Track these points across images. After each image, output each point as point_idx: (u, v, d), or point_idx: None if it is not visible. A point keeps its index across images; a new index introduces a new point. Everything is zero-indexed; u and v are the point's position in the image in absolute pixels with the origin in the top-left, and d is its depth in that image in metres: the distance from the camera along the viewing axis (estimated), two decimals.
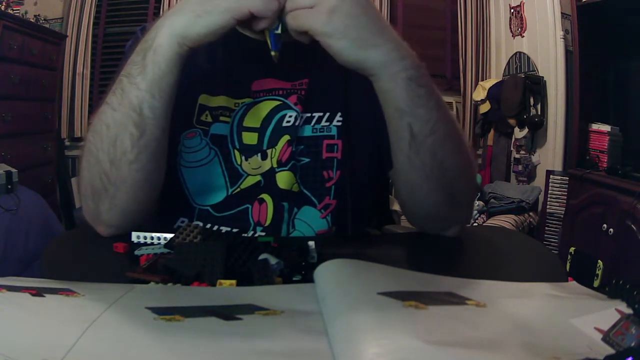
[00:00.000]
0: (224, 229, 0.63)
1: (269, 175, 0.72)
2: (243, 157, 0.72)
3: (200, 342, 0.34)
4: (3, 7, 2.55)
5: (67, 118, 3.23)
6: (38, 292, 0.41)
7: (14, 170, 1.94)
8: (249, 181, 0.72)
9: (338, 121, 0.74)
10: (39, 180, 2.73)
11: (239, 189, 0.72)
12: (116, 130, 0.60)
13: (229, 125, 0.73)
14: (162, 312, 0.38)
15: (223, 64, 0.75)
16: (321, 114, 0.74)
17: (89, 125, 0.66)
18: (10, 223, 1.78)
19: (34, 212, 1.95)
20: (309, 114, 0.74)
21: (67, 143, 3.30)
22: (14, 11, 2.73)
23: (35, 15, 2.90)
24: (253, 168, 0.72)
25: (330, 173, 0.73)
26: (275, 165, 0.72)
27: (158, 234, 0.59)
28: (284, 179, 0.71)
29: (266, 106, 0.73)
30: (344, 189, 0.73)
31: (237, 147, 0.72)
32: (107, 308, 0.38)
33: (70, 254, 0.59)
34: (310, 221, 0.73)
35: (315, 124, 0.74)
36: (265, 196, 0.72)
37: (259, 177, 0.72)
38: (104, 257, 0.57)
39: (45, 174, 2.87)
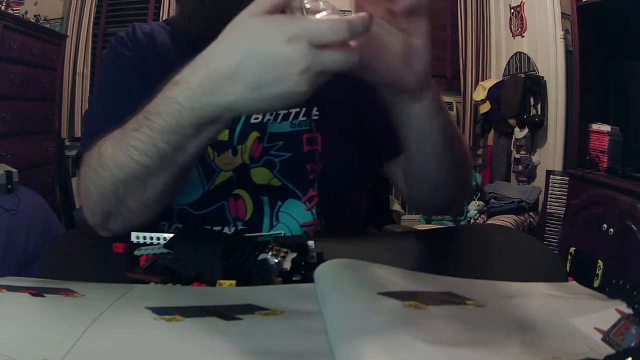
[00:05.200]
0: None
1: (242, 171, 0.73)
2: (215, 153, 0.73)
3: (200, 342, 0.34)
4: (3, 7, 2.54)
5: (67, 118, 3.23)
6: (38, 292, 0.41)
7: (14, 170, 1.94)
8: (222, 177, 0.73)
9: (315, 115, 0.76)
10: (39, 180, 2.73)
11: (213, 185, 0.73)
12: (139, 179, 0.55)
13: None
14: (162, 312, 0.38)
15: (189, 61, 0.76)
16: (298, 109, 0.76)
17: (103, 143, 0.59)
18: (10, 223, 1.78)
19: (34, 212, 1.95)
20: (285, 111, 0.76)
21: (67, 143, 3.30)
22: (14, 11, 2.73)
23: (35, 15, 2.89)
24: (224, 163, 0.73)
25: (313, 165, 0.75)
26: (247, 162, 0.74)
27: (157, 234, 0.59)
28: (259, 175, 0.73)
29: None
30: (327, 181, 0.75)
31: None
32: (107, 308, 0.38)
33: (70, 254, 0.59)
34: (294, 214, 0.74)
35: (293, 119, 0.76)
36: (240, 192, 0.73)
37: (230, 173, 0.73)
38: (103, 258, 0.57)
39: (45, 174, 2.86)
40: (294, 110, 0.76)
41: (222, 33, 0.46)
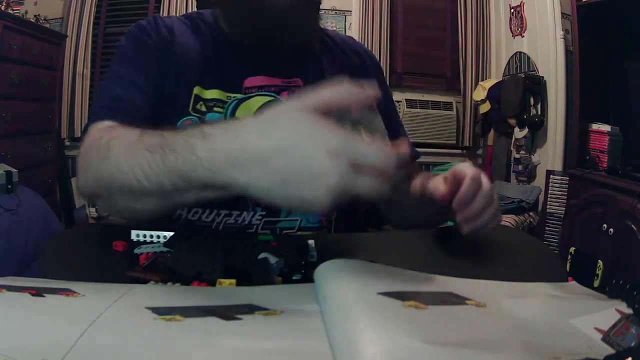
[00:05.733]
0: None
1: None
2: None
3: (200, 342, 0.34)
4: (3, 7, 2.54)
5: (67, 118, 3.23)
6: (38, 292, 0.41)
7: (14, 170, 1.94)
8: None
9: None
10: (39, 180, 2.73)
11: None
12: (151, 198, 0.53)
13: (223, 116, 0.76)
14: (162, 312, 0.38)
15: (216, 59, 0.78)
16: None
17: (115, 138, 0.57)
18: (10, 223, 1.78)
19: (34, 212, 1.95)
20: None
21: (67, 143, 3.30)
22: (14, 11, 2.73)
23: (35, 15, 2.90)
24: None
25: None
26: None
27: (158, 232, 0.59)
28: None
29: (258, 101, 0.77)
30: None
31: None
32: (107, 308, 0.38)
33: (70, 252, 0.59)
34: None
35: None
36: None
37: None
38: (103, 256, 0.57)
39: (45, 174, 2.86)
40: None
41: (270, 113, 0.44)
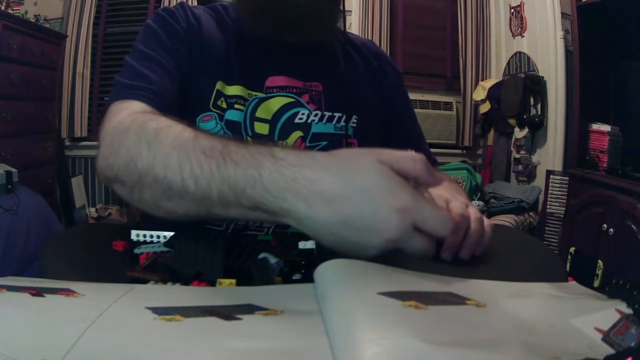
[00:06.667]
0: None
1: None
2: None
3: (200, 342, 0.34)
4: (3, 7, 2.55)
5: (67, 118, 3.23)
6: (38, 292, 0.41)
7: (14, 170, 1.95)
8: None
9: (354, 122, 0.82)
10: (39, 180, 2.74)
11: None
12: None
13: (243, 114, 0.76)
14: (162, 312, 0.38)
15: (240, 56, 0.78)
16: (340, 114, 0.81)
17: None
18: (10, 223, 1.78)
19: (34, 212, 1.95)
20: (330, 113, 0.80)
21: (67, 143, 3.30)
22: (14, 11, 2.73)
23: (35, 15, 2.90)
24: None
25: None
26: None
27: (158, 232, 0.59)
28: None
29: (278, 101, 0.78)
30: None
31: (250, 134, 0.76)
32: (107, 308, 0.38)
33: (70, 252, 0.59)
34: None
35: (336, 122, 0.81)
36: None
37: None
38: (103, 256, 0.57)
39: (45, 174, 2.87)
40: (337, 115, 0.81)
41: (346, 154, 0.44)
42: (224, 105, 0.75)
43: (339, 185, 0.41)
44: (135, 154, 0.52)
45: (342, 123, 0.81)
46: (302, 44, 0.79)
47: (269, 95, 0.77)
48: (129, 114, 0.60)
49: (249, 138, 0.75)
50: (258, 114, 0.76)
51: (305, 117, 0.78)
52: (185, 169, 0.47)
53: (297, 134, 0.77)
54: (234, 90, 0.76)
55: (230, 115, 0.75)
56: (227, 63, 0.77)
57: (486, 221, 0.60)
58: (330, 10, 0.78)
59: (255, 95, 0.77)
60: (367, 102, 0.85)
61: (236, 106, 0.75)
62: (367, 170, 0.42)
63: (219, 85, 0.75)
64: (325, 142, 0.79)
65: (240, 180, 0.44)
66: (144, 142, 0.52)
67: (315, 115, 0.79)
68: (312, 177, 0.41)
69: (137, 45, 0.74)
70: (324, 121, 0.79)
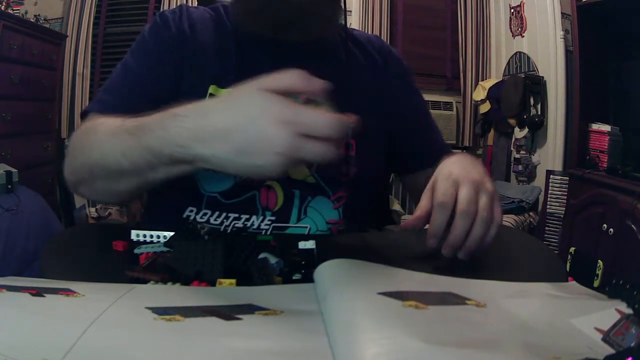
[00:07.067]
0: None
1: None
2: None
3: (200, 342, 0.34)
4: (3, 7, 2.54)
5: (67, 118, 3.23)
6: (38, 292, 0.41)
7: (14, 170, 1.94)
8: None
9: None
10: (39, 180, 2.73)
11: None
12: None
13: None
14: (162, 312, 0.38)
15: (234, 58, 0.78)
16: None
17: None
18: (10, 223, 1.78)
19: (34, 212, 1.95)
20: None
21: (67, 143, 3.30)
22: (14, 11, 2.73)
23: (35, 15, 2.89)
24: None
25: (346, 169, 0.78)
26: None
27: (158, 232, 0.59)
28: (297, 171, 0.76)
29: None
30: (357, 185, 0.79)
31: None
32: (107, 308, 0.38)
33: (70, 252, 0.59)
34: (322, 210, 0.77)
35: None
36: (273, 183, 0.75)
37: None
38: (103, 256, 0.57)
39: (45, 174, 2.86)
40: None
41: (231, 92, 0.49)
42: None
43: (227, 120, 0.46)
44: (81, 153, 0.63)
45: None
46: (302, 43, 0.78)
47: None
48: (82, 126, 0.69)
49: None
50: None
51: None
52: (116, 151, 0.56)
53: None
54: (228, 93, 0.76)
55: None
56: (220, 66, 0.77)
57: (497, 217, 0.58)
58: (331, 7, 0.78)
59: None
60: (368, 102, 0.84)
61: None
62: (246, 99, 0.47)
63: (211, 89, 0.75)
64: None
65: (155, 144, 0.51)
66: (86, 140, 0.63)
67: None
68: (206, 123, 0.47)
69: (126, 54, 0.79)
70: None
